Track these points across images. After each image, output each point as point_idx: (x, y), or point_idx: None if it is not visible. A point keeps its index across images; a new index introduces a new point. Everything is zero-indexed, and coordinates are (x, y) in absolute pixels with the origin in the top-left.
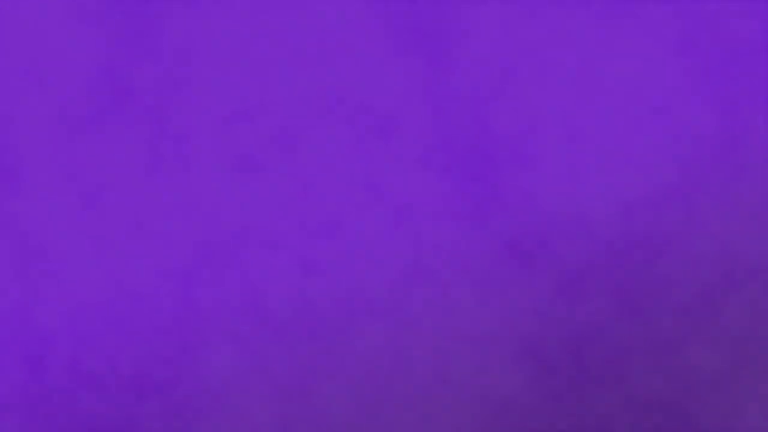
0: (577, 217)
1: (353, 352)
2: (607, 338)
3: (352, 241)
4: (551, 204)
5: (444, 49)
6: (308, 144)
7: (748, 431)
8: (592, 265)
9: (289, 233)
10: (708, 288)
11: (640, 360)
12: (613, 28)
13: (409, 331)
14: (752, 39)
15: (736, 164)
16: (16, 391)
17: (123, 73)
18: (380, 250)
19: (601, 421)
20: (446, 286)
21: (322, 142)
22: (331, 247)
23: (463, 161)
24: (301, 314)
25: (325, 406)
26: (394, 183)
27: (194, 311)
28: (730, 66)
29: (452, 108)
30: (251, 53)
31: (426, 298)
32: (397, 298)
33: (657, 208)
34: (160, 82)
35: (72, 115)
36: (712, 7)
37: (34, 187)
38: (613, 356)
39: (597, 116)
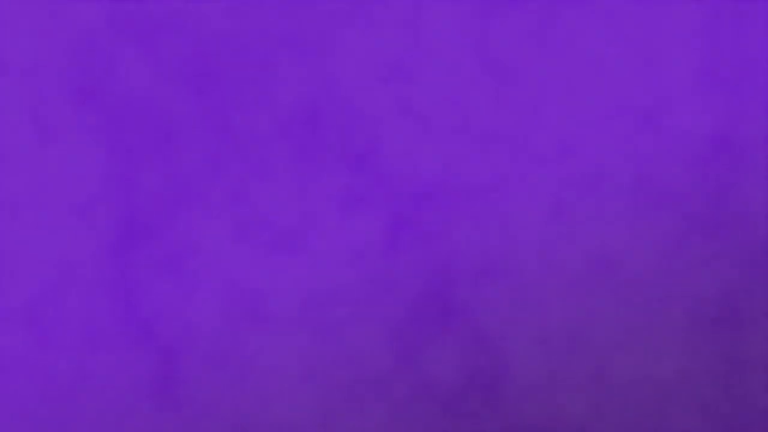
0: (572, 214)
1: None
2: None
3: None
4: (547, 200)
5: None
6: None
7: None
8: (589, 269)
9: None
10: (707, 286)
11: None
12: (613, 27)
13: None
14: (753, 39)
15: (735, 166)
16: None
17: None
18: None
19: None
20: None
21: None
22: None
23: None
24: (301, 313)
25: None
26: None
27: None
28: (731, 67)
29: (450, 107)
30: (252, 54)
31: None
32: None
33: (658, 210)
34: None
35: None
36: (712, 8)
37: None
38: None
39: (594, 117)
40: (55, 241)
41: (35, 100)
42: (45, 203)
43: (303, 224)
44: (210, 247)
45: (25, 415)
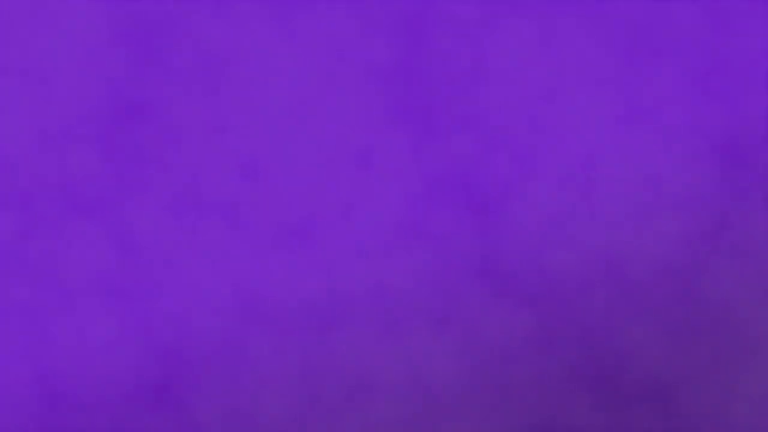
0: (570, 222)
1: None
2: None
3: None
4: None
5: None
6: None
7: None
8: (586, 274)
9: (284, 238)
10: (705, 286)
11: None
12: (610, 28)
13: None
14: (753, 39)
15: (736, 165)
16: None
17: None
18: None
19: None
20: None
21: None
22: (322, 254)
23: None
24: (298, 314)
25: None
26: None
27: (191, 314)
28: (731, 67)
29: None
30: (252, 60)
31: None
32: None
33: (657, 212)
34: (166, 91)
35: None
36: (712, 8)
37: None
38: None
39: (594, 117)
40: (58, 241)
41: None
42: (50, 207)
43: (305, 223)
44: (209, 246)
45: (26, 416)
